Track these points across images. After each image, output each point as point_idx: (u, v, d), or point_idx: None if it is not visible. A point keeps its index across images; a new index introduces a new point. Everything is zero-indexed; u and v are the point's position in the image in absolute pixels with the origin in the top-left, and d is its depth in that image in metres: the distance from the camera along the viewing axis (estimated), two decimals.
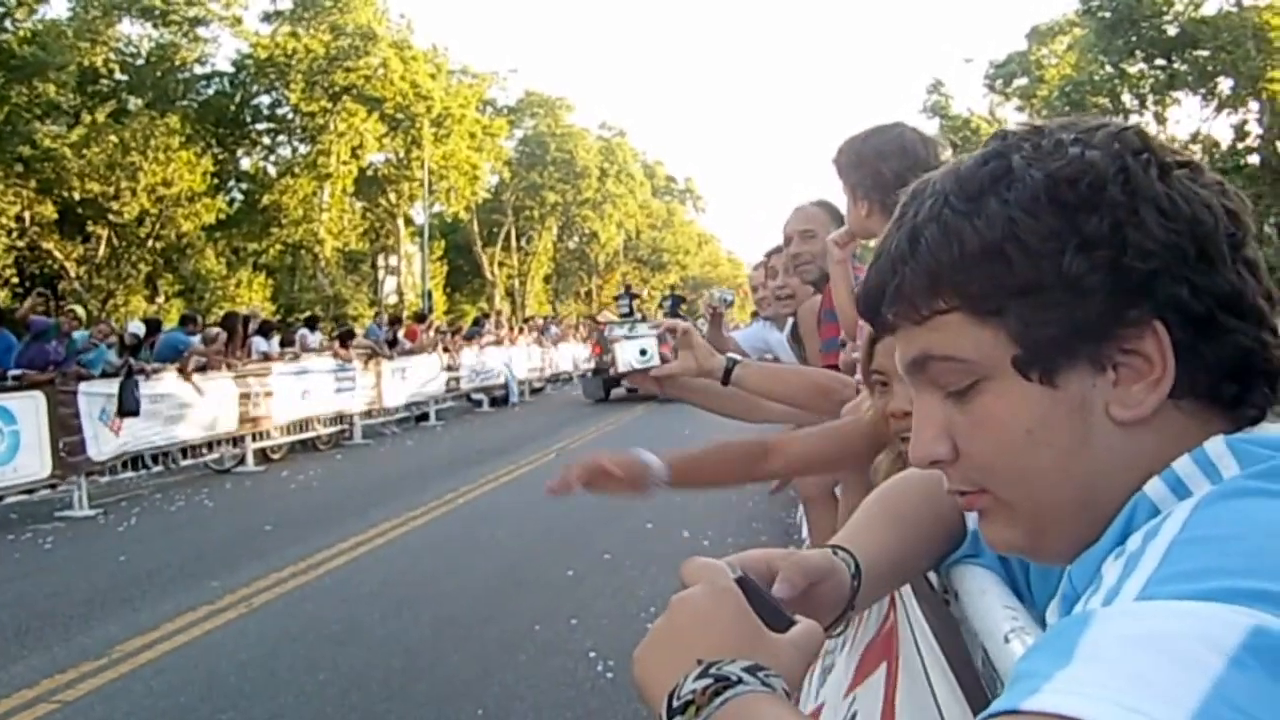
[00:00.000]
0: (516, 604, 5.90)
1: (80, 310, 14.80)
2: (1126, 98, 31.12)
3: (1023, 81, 34.61)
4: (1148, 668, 0.46)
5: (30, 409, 8.96)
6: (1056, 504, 0.71)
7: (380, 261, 37.49)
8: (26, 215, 24.45)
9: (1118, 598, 0.54)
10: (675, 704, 0.62)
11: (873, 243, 2.60)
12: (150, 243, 27.23)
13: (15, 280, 23.87)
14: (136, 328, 12.51)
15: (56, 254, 25.61)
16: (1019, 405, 0.70)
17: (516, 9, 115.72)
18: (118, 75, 27.68)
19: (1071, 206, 0.68)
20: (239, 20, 30.24)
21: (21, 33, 23.82)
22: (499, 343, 20.84)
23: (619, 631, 5.28)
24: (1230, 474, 0.63)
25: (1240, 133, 29.39)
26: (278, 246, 31.58)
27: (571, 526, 8.07)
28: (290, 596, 6.15)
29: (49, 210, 24.80)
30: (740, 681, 0.62)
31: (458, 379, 18.11)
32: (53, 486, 9.16)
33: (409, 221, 36.85)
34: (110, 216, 25.85)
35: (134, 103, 27.25)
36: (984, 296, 0.69)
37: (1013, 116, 36.69)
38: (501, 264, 43.62)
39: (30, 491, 9.01)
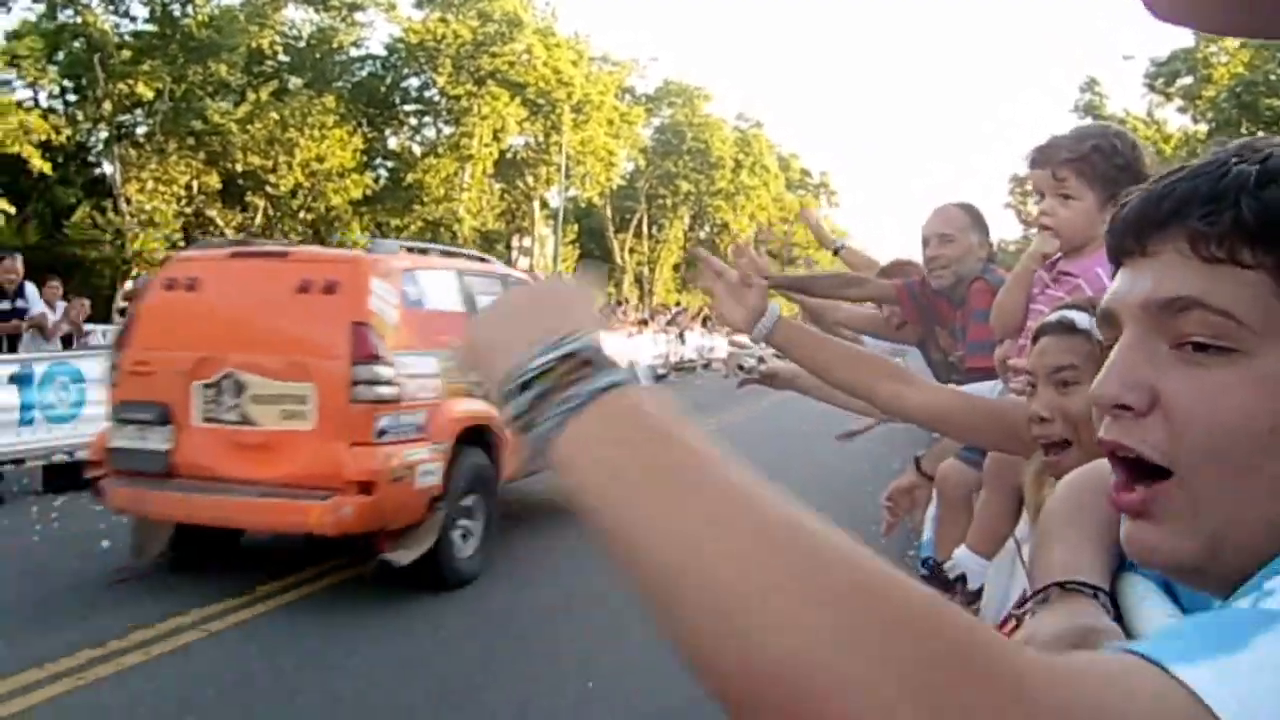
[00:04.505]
0: (622, 590, 6.02)
1: None
2: None
3: (1187, 81, 32.66)
4: None
5: None
6: (1256, 521, 0.60)
7: (515, 242, 38.31)
8: (195, 184, 26.01)
9: None
10: (515, 382, 0.54)
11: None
12: (301, 214, 28.55)
13: (182, 244, 25.42)
14: None
15: (219, 221, 27.12)
16: (1272, 396, 0.59)
17: None
18: (281, 57, 29.00)
19: None
20: (393, 6, 31.29)
21: (200, 17, 25.31)
22: (628, 334, 21.11)
23: None
24: None
25: None
26: (419, 223, 32.58)
27: None
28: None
29: (214, 180, 26.29)
30: (610, 365, 0.54)
31: None
32: None
33: (544, 205, 37.52)
34: (268, 188, 27.22)
35: (294, 82, 28.51)
36: None
37: (1174, 118, 34.84)
38: (632, 250, 43.95)
39: None
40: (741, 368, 2.62)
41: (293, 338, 5.48)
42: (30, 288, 9.10)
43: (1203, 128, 31.79)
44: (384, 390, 5.33)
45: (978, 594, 2.32)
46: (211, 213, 26.92)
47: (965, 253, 3.15)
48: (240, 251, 6.24)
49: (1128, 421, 0.64)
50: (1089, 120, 35.10)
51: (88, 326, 10.18)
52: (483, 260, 7.72)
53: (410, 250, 6.65)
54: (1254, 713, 0.42)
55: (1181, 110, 33.78)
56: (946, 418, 1.86)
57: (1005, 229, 42.20)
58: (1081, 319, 1.52)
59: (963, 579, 2.47)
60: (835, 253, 4.25)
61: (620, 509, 0.48)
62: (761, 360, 2.59)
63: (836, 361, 1.88)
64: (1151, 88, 34.06)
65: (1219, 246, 0.61)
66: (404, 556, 5.40)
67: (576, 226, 40.37)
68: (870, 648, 0.41)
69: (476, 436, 5.95)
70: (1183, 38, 44.69)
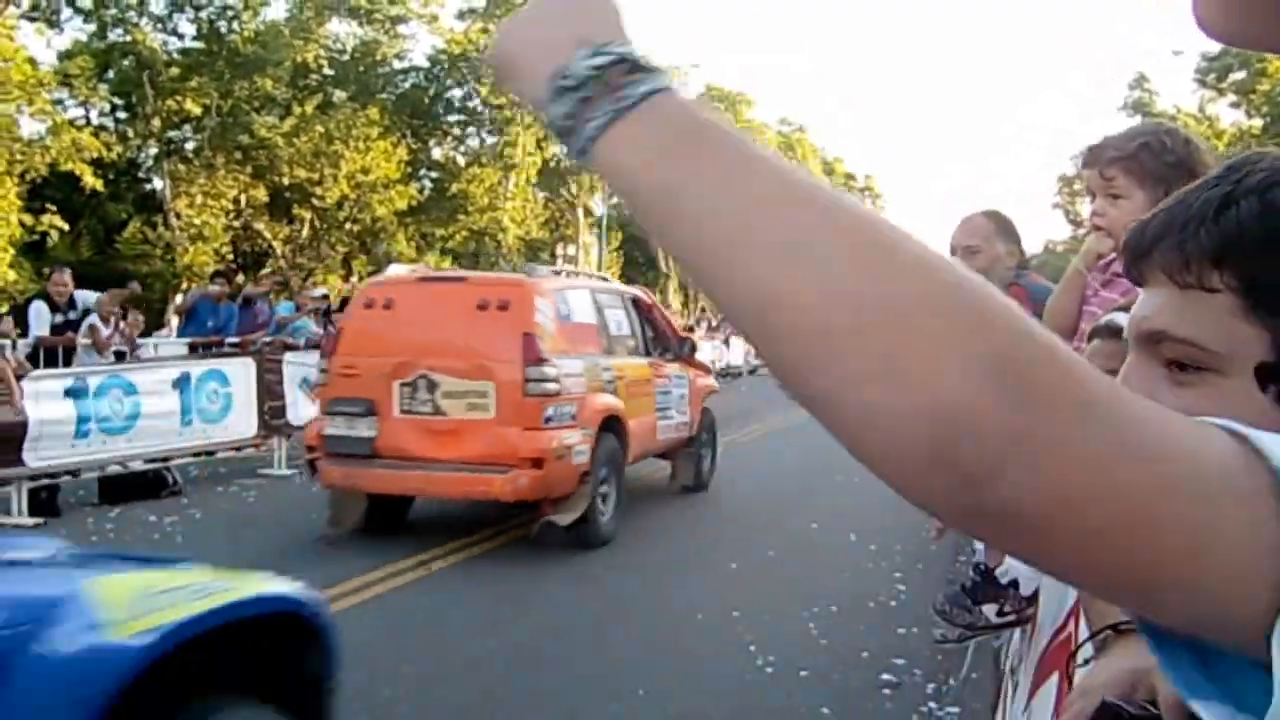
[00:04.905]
0: (681, 591, 6.00)
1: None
2: None
3: (1240, 76, 31.91)
4: None
5: (242, 374, 9.71)
6: None
7: (559, 250, 38.48)
8: (242, 198, 26.44)
9: None
10: (561, 84, 0.53)
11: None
12: (348, 226, 28.89)
13: (231, 256, 25.84)
14: (316, 291, 13.56)
15: (266, 234, 27.54)
16: (1242, 413, 0.62)
17: (699, 4, 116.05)
18: (325, 70, 29.36)
19: None
20: (435, 18, 31.59)
21: (246, 33, 25.76)
22: None
23: (779, 627, 5.30)
24: None
25: None
26: (464, 233, 32.84)
27: (736, 522, 8.12)
28: (466, 564, 6.48)
29: (261, 194, 26.70)
30: (658, 71, 0.53)
31: None
32: (256, 446, 9.90)
33: (588, 212, 37.64)
34: (314, 201, 27.57)
35: (339, 95, 28.82)
36: (1269, 290, 0.63)
37: (1226, 115, 34.10)
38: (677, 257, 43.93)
39: (239, 449, 9.77)
40: None
41: (475, 345, 6.77)
42: (81, 294, 9.32)
43: (1257, 123, 31.09)
44: (549, 386, 6.65)
45: (1031, 599, 2.29)
46: (259, 226, 27.33)
47: (993, 262, 3.13)
48: (426, 277, 7.82)
49: None
50: (1138, 118, 34.51)
51: (140, 340, 10.36)
52: (605, 280, 9.28)
53: (557, 274, 8.30)
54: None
55: (1235, 105, 33.04)
56: None
57: (1054, 229, 41.59)
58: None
59: (1015, 584, 2.43)
60: None
61: (679, 195, 0.49)
62: None
63: None
64: (1203, 83, 33.36)
65: (1188, 273, 0.65)
66: (564, 519, 6.71)
67: (620, 234, 40.43)
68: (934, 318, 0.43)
69: (611, 425, 7.24)
70: None
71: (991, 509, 0.43)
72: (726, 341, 25.02)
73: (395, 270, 8.50)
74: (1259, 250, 0.62)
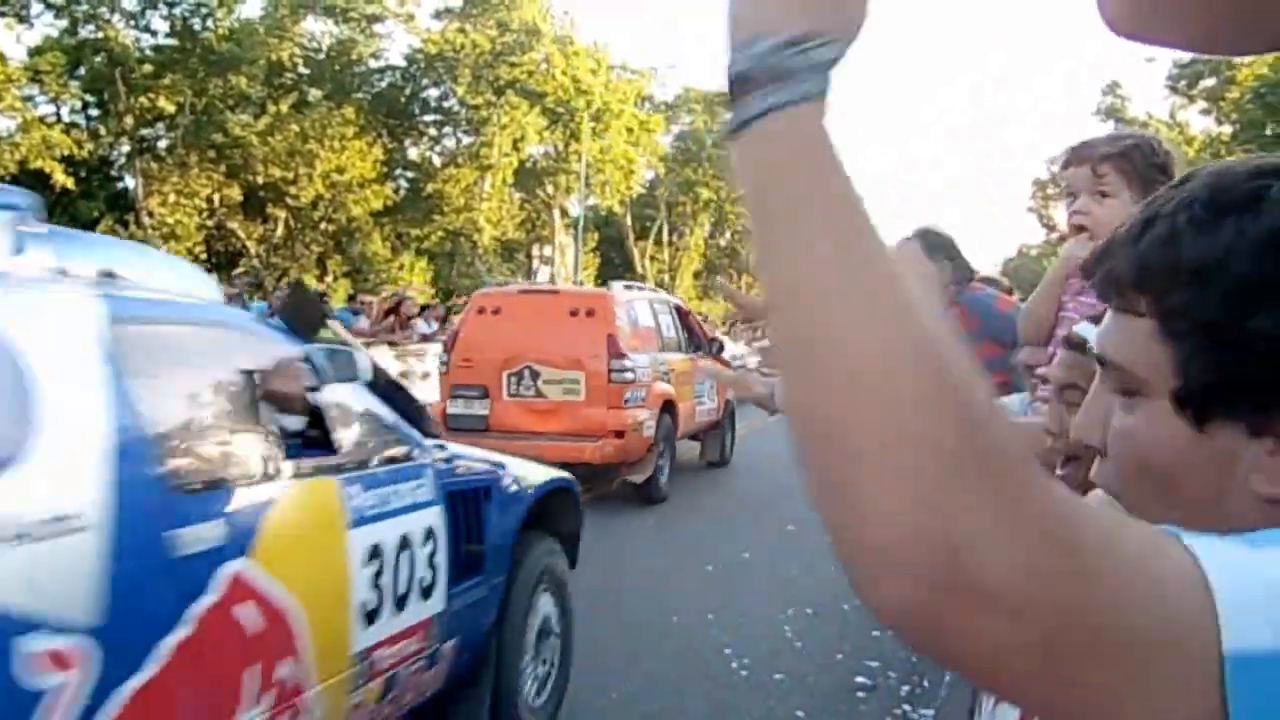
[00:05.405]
0: (655, 594, 5.98)
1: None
2: None
3: (1210, 83, 32.30)
4: None
5: None
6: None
7: (535, 251, 38.37)
8: (216, 197, 26.16)
9: None
10: (728, 70, 0.54)
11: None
12: (322, 225, 28.65)
13: (204, 256, 25.59)
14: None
15: (240, 233, 27.27)
16: (1164, 436, 0.64)
17: (677, 5, 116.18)
18: (300, 69, 29.10)
19: None
20: (412, 17, 31.38)
21: (220, 31, 25.49)
22: None
23: (755, 630, 5.30)
24: None
25: None
26: (439, 233, 32.66)
27: (711, 524, 8.12)
28: None
29: (235, 193, 26.41)
30: (811, 71, 0.53)
31: None
32: None
33: (565, 213, 37.55)
34: (288, 200, 27.32)
35: (314, 94, 28.58)
36: (1175, 315, 0.63)
37: (1197, 121, 34.49)
38: (653, 258, 43.95)
39: None
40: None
41: (568, 343, 8.49)
42: None
43: (1227, 129, 31.47)
44: (627, 375, 8.44)
45: None
46: (233, 225, 27.09)
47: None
48: (526, 289, 10.17)
49: (1099, 460, 0.71)
50: (1111, 123, 34.85)
51: None
52: (654, 290, 11.22)
53: (627, 288, 10.32)
54: (1243, 585, 0.47)
55: (1205, 112, 33.43)
56: None
57: (1028, 234, 41.94)
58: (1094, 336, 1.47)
59: None
60: None
61: (775, 223, 0.52)
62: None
63: None
64: (1174, 90, 33.74)
65: (1120, 298, 0.66)
66: (637, 477, 8.64)
67: (597, 235, 40.40)
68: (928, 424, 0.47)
69: (668, 407, 9.13)
70: None
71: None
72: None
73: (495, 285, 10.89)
74: (1165, 274, 0.63)
